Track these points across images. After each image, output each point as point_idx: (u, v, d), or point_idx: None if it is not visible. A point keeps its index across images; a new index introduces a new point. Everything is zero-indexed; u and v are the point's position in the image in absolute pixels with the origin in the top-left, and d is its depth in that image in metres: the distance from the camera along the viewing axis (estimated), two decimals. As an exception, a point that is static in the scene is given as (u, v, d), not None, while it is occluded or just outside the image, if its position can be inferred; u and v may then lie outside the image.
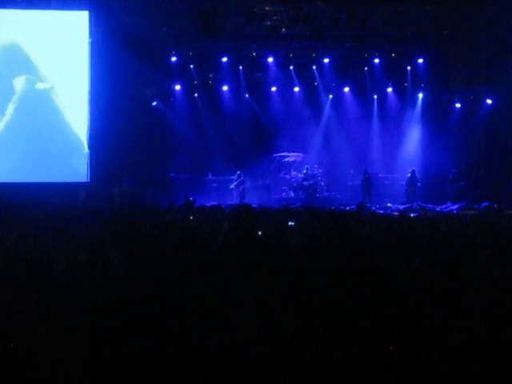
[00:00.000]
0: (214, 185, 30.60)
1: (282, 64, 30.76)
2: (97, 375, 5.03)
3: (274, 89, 32.05)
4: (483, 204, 25.89)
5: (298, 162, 32.22)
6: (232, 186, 29.58)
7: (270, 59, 30.22)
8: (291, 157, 32.53)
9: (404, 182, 29.94)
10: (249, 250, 7.73)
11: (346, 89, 32.12)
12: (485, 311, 5.63)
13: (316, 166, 31.32)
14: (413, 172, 29.55)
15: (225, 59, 29.99)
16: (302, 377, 5.04)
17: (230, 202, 27.19)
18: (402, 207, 26.41)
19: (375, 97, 32.22)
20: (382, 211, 23.53)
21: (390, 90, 31.95)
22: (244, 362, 5.11)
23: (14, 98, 26.11)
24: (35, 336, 5.30)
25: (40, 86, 26.39)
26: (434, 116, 30.63)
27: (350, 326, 5.46)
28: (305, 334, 5.36)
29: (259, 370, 5.06)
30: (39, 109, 26.29)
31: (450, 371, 5.02)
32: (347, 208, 24.29)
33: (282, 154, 32.59)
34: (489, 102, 29.35)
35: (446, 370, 5.03)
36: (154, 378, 5.01)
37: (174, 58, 29.30)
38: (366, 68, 31.29)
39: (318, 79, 31.74)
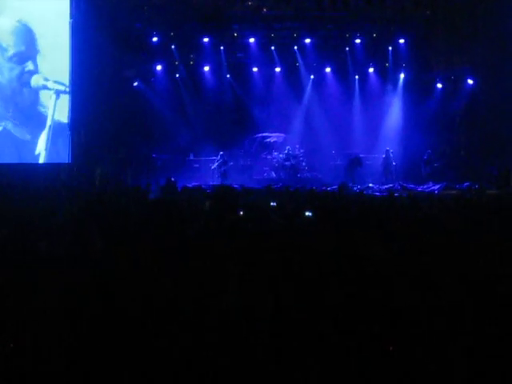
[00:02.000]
0: (196, 165, 30.54)
1: (263, 44, 30.66)
2: (78, 365, 5.02)
3: (255, 69, 31.92)
4: (464, 184, 26.04)
5: (280, 143, 32.18)
6: (213, 167, 29.54)
7: (252, 40, 30.15)
8: (273, 137, 32.50)
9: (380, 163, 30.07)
10: (230, 230, 7.73)
11: (328, 69, 32.01)
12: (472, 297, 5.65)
13: (297, 146, 31.32)
14: (387, 152, 29.65)
15: (206, 40, 29.89)
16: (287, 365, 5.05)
17: (211, 183, 27.21)
18: (383, 187, 26.52)
19: (356, 77, 32.13)
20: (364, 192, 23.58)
21: (371, 70, 31.90)
22: (228, 347, 5.12)
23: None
24: (18, 322, 5.30)
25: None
26: (416, 96, 30.64)
27: (333, 307, 5.47)
28: (289, 316, 5.37)
29: (243, 355, 5.07)
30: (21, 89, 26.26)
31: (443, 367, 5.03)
32: (329, 188, 24.36)
33: (264, 134, 32.53)
34: (470, 82, 29.45)
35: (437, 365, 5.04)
36: (138, 365, 5.01)
37: (154, 39, 29.14)
38: (347, 48, 31.16)
39: (299, 60, 31.65)
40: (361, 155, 30.27)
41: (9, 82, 26.29)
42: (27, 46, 26.29)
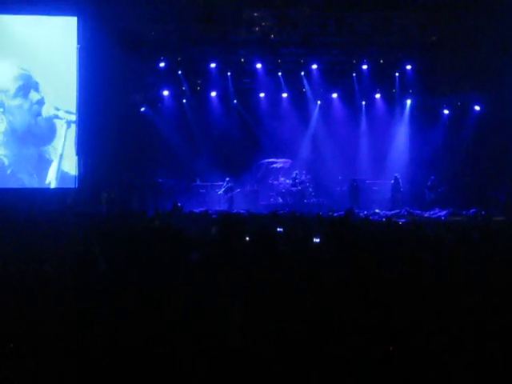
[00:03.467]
0: (202, 191, 30.51)
1: (270, 70, 30.72)
2: (83, 376, 5.00)
3: (262, 95, 32.00)
4: (471, 210, 25.97)
5: (286, 168, 32.18)
6: (220, 192, 29.53)
7: (259, 65, 30.20)
8: (279, 163, 32.50)
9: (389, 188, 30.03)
10: (237, 255, 7.70)
11: (334, 95, 32.13)
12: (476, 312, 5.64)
13: (304, 171, 31.33)
14: (396, 178, 29.61)
15: (213, 65, 29.95)
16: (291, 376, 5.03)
17: (217, 208, 27.21)
18: (389, 213, 26.43)
19: (363, 103, 32.24)
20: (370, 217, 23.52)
21: (378, 96, 31.98)
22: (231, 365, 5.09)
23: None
24: (23, 338, 5.29)
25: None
26: (422, 122, 30.68)
27: (336, 329, 5.45)
28: (294, 345, 5.34)
29: (247, 369, 5.04)
30: (29, 113, 26.35)
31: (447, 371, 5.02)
32: (335, 214, 24.31)
33: (270, 160, 32.54)
34: (477, 108, 29.45)
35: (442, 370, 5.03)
36: (141, 378, 4.98)
37: (162, 64, 29.20)
38: (354, 74, 31.23)
39: (306, 85, 31.73)
40: (366, 180, 30.27)
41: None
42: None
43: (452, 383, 5.00)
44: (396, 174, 29.78)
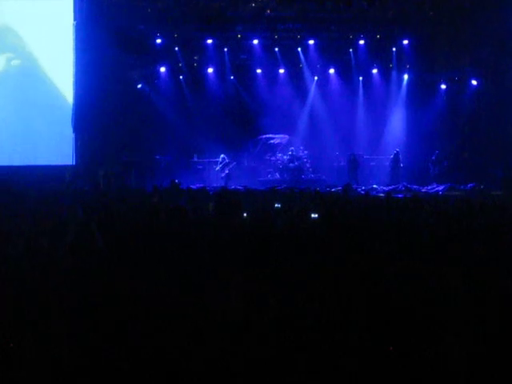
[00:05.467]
0: (200, 167, 30.57)
1: (267, 46, 30.63)
2: (79, 360, 5.00)
3: (259, 71, 31.88)
4: (469, 185, 26.03)
5: (284, 144, 32.14)
6: (217, 168, 29.54)
7: (255, 41, 30.14)
8: (277, 139, 32.46)
9: (388, 164, 30.00)
10: (234, 232, 7.71)
11: (331, 70, 32.02)
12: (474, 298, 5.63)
13: (301, 147, 31.30)
14: (396, 153, 29.59)
15: (210, 41, 29.88)
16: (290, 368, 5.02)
17: (215, 185, 27.25)
18: (387, 188, 26.44)
19: (360, 78, 32.09)
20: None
21: (375, 71, 31.85)
22: (230, 350, 5.09)
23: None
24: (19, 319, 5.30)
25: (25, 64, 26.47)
26: (420, 97, 30.63)
27: (336, 313, 5.46)
28: (292, 320, 5.35)
29: (246, 358, 5.04)
30: (25, 90, 26.29)
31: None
32: (333, 189, 24.36)
33: (268, 135, 32.48)
34: (474, 83, 29.41)
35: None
36: (137, 366, 4.98)
37: (158, 41, 29.16)
38: (350, 50, 31.15)
39: (303, 61, 31.63)
40: (364, 156, 30.29)
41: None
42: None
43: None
44: (396, 149, 29.74)
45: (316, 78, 32.37)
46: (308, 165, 30.99)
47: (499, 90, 27.87)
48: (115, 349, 5.01)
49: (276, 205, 12.91)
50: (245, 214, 10.02)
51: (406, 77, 31.55)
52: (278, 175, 30.72)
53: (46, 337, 5.12)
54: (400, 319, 5.34)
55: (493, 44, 27.30)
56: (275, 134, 32.48)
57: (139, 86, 29.75)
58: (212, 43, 30.01)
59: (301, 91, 32.24)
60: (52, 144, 25.98)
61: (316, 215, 10.41)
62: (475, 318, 5.24)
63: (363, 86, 32.15)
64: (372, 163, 30.79)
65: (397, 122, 31.31)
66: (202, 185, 25.33)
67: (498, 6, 26.41)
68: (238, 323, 5.28)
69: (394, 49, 30.98)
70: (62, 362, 4.93)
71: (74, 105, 26.27)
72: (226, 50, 30.69)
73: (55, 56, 26.28)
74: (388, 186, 27.80)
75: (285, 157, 30.94)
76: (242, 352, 5.02)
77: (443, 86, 30.73)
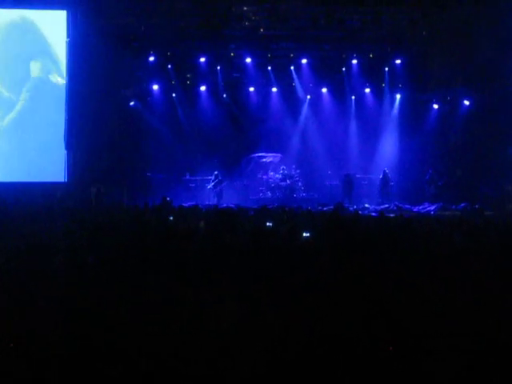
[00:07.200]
0: (192, 185, 30.53)
1: (260, 64, 30.72)
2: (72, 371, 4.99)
3: (251, 89, 31.94)
4: (461, 205, 26.05)
5: (276, 163, 32.15)
6: (209, 186, 29.52)
7: (248, 59, 30.21)
8: (269, 157, 32.46)
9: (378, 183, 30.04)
10: (227, 250, 7.70)
11: (324, 89, 32.12)
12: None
13: (294, 166, 31.31)
14: (384, 173, 29.62)
15: (203, 59, 29.92)
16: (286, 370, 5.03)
17: (207, 203, 27.24)
18: (379, 208, 26.45)
19: (353, 97, 32.22)
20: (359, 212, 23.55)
21: (367, 90, 31.96)
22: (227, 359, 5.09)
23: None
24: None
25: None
26: (412, 117, 30.73)
27: (328, 320, 5.47)
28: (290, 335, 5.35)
29: (243, 365, 5.04)
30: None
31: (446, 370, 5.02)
32: (325, 208, 24.35)
33: (260, 154, 32.48)
34: (466, 103, 29.51)
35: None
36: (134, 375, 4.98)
37: (151, 58, 29.18)
38: (343, 69, 31.28)
39: (295, 80, 31.74)
40: (356, 175, 30.31)
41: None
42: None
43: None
44: (385, 169, 29.79)
45: (309, 96, 32.44)
46: (300, 183, 30.99)
47: (491, 109, 27.94)
48: (108, 357, 5.01)
49: (268, 223, 12.92)
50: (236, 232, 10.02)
51: (398, 96, 31.67)
52: (269, 194, 30.71)
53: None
54: (390, 329, 5.38)
55: (485, 64, 27.39)
56: (267, 152, 32.48)
57: (132, 103, 29.74)
58: (205, 61, 30.05)
59: (293, 110, 32.30)
60: (44, 161, 25.96)
61: (308, 234, 10.42)
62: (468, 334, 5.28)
63: (356, 105, 32.27)
64: (364, 182, 30.81)
65: (389, 142, 31.36)
66: (194, 203, 25.30)
67: (491, 27, 26.53)
68: (232, 340, 5.28)
69: (386, 68, 31.09)
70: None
71: (66, 122, 26.27)
72: (218, 68, 30.75)
73: (49, 74, 26.33)
74: (380, 205, 27.82)
75: (277, 175, 30.95)
76: (235, 364, 5.02)
77: (435, 106, 30.82)
